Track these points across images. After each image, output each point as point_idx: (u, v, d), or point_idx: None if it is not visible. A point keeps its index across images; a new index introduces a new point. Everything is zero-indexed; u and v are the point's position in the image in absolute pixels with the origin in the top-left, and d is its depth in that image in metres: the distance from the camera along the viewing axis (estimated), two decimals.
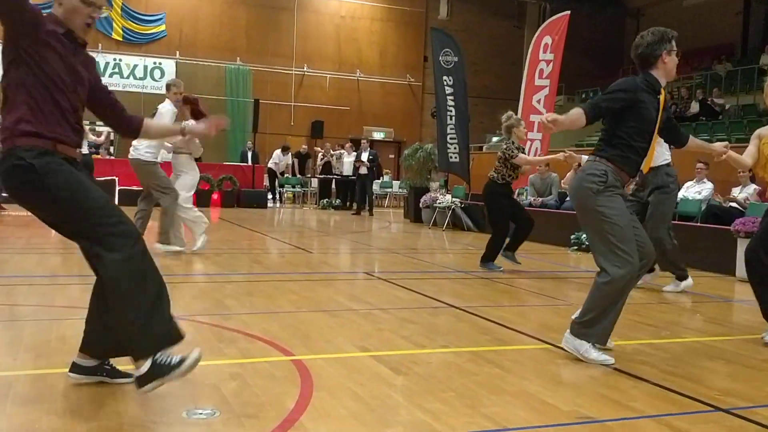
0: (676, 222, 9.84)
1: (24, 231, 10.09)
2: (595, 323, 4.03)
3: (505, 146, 7.85)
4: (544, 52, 13.71)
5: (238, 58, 23.63)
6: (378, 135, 25.15)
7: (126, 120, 3.36)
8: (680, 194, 10.45)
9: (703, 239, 8.84)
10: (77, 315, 3.77)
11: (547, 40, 13.74)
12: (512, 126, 7.85)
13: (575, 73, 22.54)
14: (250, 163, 19.09)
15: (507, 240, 7.96)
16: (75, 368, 3.19)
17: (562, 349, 4.26)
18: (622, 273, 3.94)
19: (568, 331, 4.12)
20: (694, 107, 18.48)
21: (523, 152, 7.94)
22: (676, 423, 3.05)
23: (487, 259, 7.89)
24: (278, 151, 20.92)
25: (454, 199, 13.95)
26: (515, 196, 8.59)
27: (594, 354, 3.99)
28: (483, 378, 3.63)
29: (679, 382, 3.68)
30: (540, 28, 14.39)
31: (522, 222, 7.89)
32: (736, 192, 9.81)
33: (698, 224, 9.42)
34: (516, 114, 13.50)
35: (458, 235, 12.83)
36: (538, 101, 13.46)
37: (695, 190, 10.11)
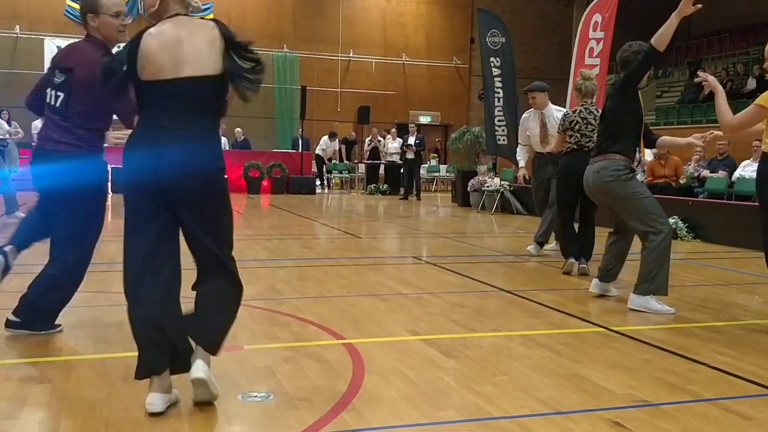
0: (732, 202, 9.60)
1: None
2: (657, 278, 4.74)
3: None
4: (594, 30, 13.42)
5: (285, 46, 23.75)
6: (424, 119, 25.03)
7: None
8: (737, 173, 10.19)
9: (760, 218, 8.57)
10: None
11: (597, 18, 13.43)
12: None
13: None
14: (300, 149, 19.24)
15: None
16: None
17: (615, 332, 4.22)
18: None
19: (633, 294, 4.86)
20: (751, 84, 17.90)
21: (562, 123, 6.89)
22: (735, 406, 2.99)
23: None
24: (326, 138, 21.01)
25: (502, 183, 13.82)
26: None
27: (657, 305, 4.78)
28: (535, 361, 3.60)
29: (738, 365, 3.59)
30: (589, 6, 14.06)
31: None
32: None
33: (755, 203, 9.14)
34: (567, 94, 13.25)
35: (507, 218, 12.72)
36: None
37: (752, 169, 9.80)
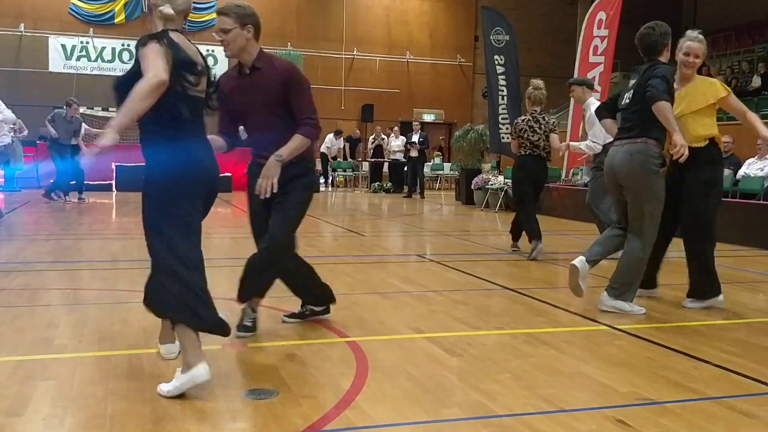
0: (737, 200, 9.58)
1: (85, 218, 10.37)
2: (631, 287, 4.70)
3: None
4: (598, 28, 13.42)
5: (289, 44, 23.74)
6: (428, 117, 25.01)
7: None
8: (742, 171, 10.17)
9: (764, 217, 8.57)
10: (139, 299, 3.85)
11: (602, 15, 13.44)
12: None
13: (631, 48, 21.81)
14: None
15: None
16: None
17: (619, 330, 4.22)
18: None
19: (606, 294, 4.72)
20: (756, 81, 17.82)
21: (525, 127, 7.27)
22: (739, 405, 2.98)
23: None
24: (330, 136, 21.01)
25: (506, 181, 13.80)
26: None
27: (628, 306, 4.65)
28: (539, 359, 3.60)
29: (742, 364, 3.59)
30: (594, 4, 14.06)
31: None
32: None
33: (760, 201, 9.13)
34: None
35: (511, 216, 12.65)
36: (593, 78, 13.18)
37: (757, 167, 9.79)
